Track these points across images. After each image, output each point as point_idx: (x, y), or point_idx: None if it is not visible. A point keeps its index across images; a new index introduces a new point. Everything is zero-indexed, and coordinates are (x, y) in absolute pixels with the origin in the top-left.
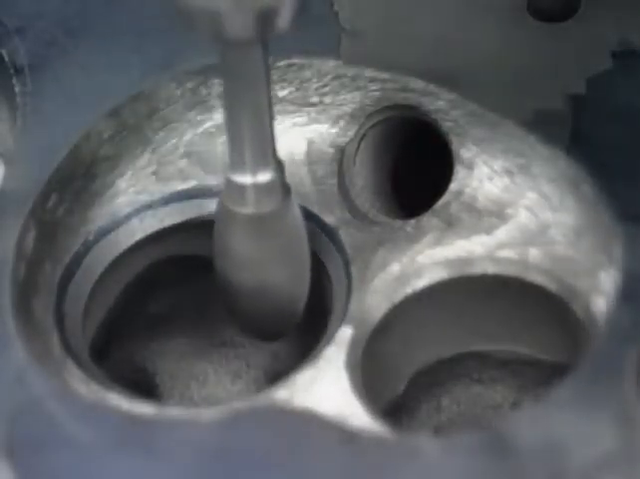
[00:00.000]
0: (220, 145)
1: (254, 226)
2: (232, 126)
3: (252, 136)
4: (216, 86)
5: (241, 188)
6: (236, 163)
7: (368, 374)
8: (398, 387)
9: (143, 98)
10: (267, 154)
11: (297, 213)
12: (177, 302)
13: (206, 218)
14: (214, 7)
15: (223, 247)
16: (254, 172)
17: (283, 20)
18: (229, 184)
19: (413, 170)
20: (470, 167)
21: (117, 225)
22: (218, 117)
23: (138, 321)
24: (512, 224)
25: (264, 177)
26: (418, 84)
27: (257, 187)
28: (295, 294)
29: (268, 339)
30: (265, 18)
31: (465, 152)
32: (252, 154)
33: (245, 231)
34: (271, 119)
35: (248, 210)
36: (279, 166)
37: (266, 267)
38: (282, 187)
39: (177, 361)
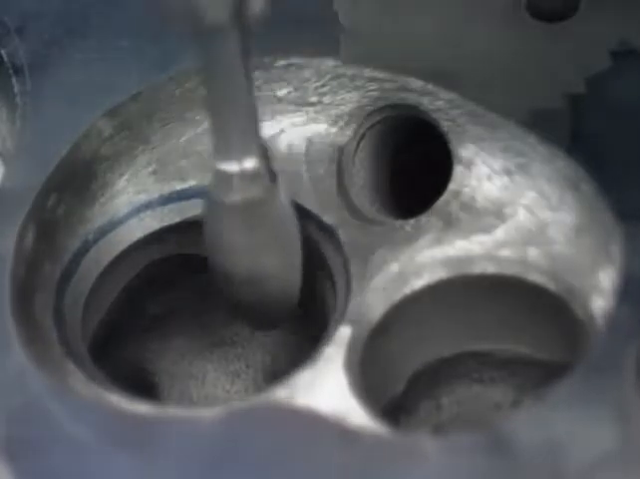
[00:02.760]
0: None
1: (243, 214)
2: (215, 114)
3: (235, 123)
4: None
5: (228, 176)
6: (221, 151)
7: (367, 374)
8: (397, 387)
9: (142, 98)
10: (252, 140)
11: (285, 199)
12: (177, 302)
13: None
14: None
15: (214, 239)
16: (240, 159)
17: (253, 7)
18: (216, 173)
19: (412, 169)
20: (469, 166)
21: (116, 224)
22: None
23: (137, 321)
24: (511, 223)
25: (250, 163)
26: (417, 83)
27: (244, 174)
28: (288, 281)
29: (267, 328)
30: (232, 5)
31: (464, 151)
32: (236, 141)
33: (234, 219)
34: (254, 105)
35: (236, 198)
36: (265, 152)
37: (257, 255)
38: (269, 173)
39: (177, 361)
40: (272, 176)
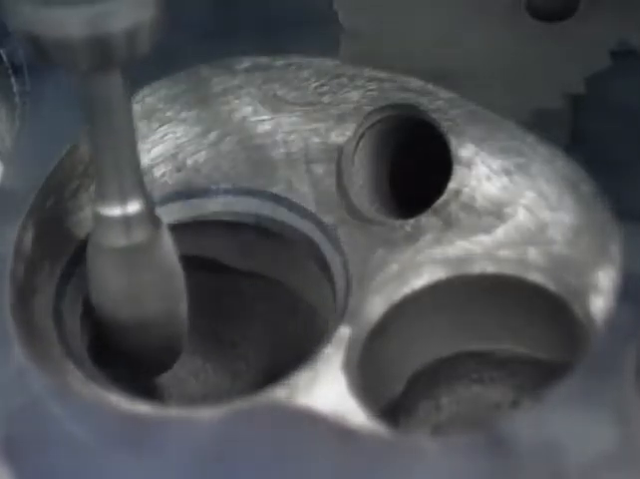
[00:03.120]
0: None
1: (125, 259)
2: (97, 157)
3: (118, 166)
4: (216, 85)
5: (110, 220)
6: (104, 195)
7: (367, 374)
8: (396, 387)
9: (140, 98)
10: (135, 184)
11: (170, 244)
12: None
13: (206, 218)
14: (66, 37)
15: (96, 283)
16: (122, 203)
17: (141, 46)
18: (98, 218)
19: (411, 169)
20: (468, 166)
21: None
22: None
23: None
24: (511, 223)
25: (133, 207)
26: (416, 83)
27: (126, 219)
28: (172, 329)
29: (150, 374)
30: (122, 45)
31: (463, 151)
32: (119, 185)
33: (117, 265)
34: (136, 147)
35: (119, 243)
36: (148, 196)
37: (140, 301)
38: (152, 217)
39: (177, 361)
40: (156, 221)
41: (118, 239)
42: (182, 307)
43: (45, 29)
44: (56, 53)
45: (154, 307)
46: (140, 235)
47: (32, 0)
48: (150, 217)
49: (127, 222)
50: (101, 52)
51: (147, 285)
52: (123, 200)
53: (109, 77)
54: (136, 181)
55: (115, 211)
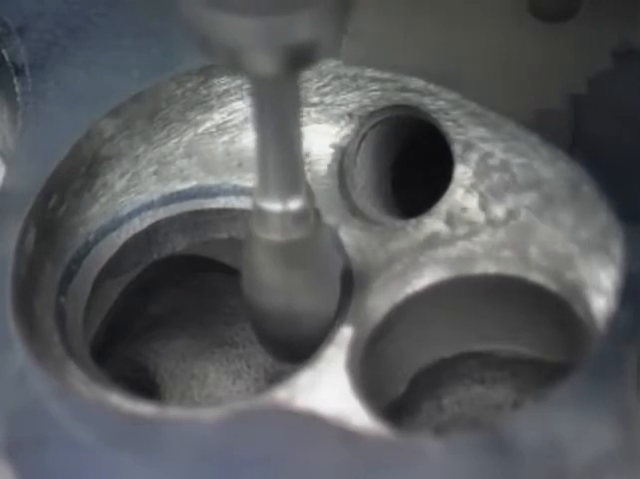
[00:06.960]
0: (221, 145)
1: (283, 253)
2: (262, 153)
3: (282, 164)
4: (216, 86)
5: (270, 215)
6: (265, 190)
7: (369, 374)
8: (399, 387)
9: (143, 98)
10: (297, 181)
11: (328, 239)
12: (178, 302)
13: (207, 217)
14: (241, 45)
15: (252, 274)
16: (284, 199)
17: (320, 53)
18: (258, 210)
19: (413, 169)
20: (470, 166)
21: (117, 224)
22: (219, 117)
23: (138, 321)
24: (513, 223)
25: (294, 205)
26: (418, 84)
27: (287, 214)
28: (323, 319)
29: (296, 361)
30: (298, 54)
31: (465, 151)
32: (282, 182)
33: (274, 258)
34: (301, 146)
35: (277, 237)
36: (309, 193)
37: (294, 294)
38: (312, 214)
39: (178, 361)
40: (316, 217)
41: (276, 234)
42: (334, 299)
43: (222, 35)
44: (231, 59)
45: (306, 301)
46: (298, 231)
47: (210, 4)
48: (309, 213)
49: (286, 217)
50: (278, 62)
51: (301, 279)
52: (284, 196)
53: (282, 82)
54: (298, 178)
55: (275, 206)
